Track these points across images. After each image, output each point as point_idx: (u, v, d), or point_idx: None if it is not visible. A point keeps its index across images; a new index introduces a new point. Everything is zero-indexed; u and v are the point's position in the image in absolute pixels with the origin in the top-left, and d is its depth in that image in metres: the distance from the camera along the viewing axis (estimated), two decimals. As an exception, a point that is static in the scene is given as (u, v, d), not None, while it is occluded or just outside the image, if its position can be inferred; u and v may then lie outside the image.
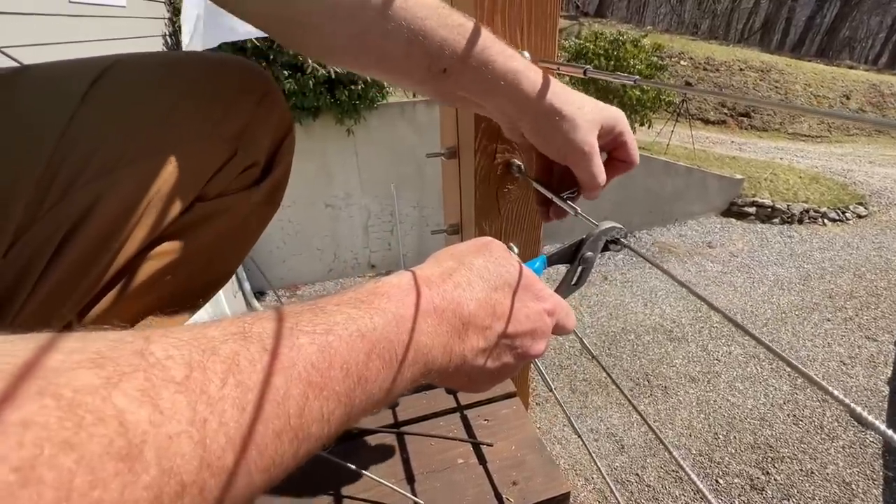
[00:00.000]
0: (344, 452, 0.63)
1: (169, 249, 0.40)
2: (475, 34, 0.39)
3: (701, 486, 0.34)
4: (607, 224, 0.42)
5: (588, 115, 0.44)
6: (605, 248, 0.43)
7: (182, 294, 0.45)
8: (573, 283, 0.44)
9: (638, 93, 6.21)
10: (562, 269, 0.44)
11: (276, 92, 0.46)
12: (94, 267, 0.36)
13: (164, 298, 0.43)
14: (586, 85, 6.39)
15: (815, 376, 0.22)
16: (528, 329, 0.34)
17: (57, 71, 0.37)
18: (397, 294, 0.29)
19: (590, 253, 0.42)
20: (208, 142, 0.39)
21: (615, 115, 0.47)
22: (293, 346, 0.22)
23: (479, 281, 0.32)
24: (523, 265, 0.36)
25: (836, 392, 0.21)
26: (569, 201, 0.49)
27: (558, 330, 0.38)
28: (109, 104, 0.36)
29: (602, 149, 0.48)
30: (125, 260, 0.38)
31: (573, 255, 0.43)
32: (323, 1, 0.36)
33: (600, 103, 0.46)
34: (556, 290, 0.40)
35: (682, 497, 3.02)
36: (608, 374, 0.46)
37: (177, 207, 0.38)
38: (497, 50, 0.41)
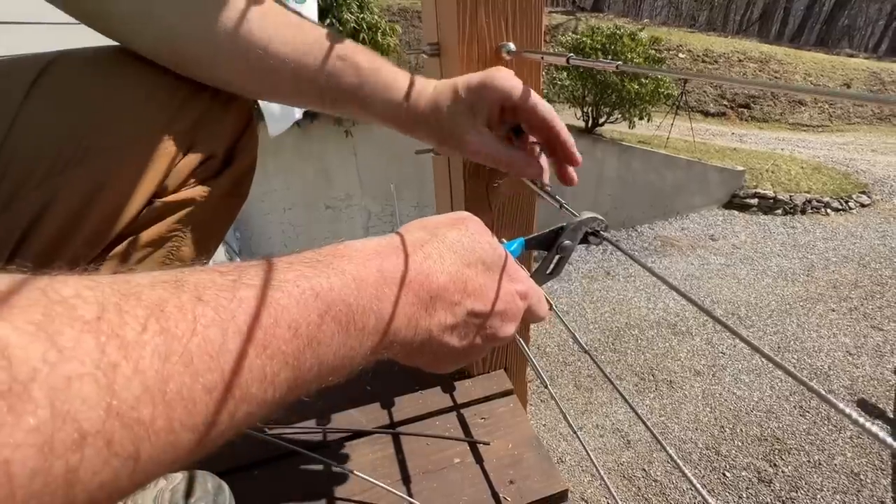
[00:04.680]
0: (338, 454, 0.62)
1: (132, 247, 0.39)
2: (355, 67, 0.43)
3: (695, 482, 0.33)
4: (588, 214, 0.41)
5: (450, 122, 0.46)
6: (585, 240, 0.42)
7: None
8: (549, 271, 0.43)
9: (636, 86, 6.17)
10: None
11: None
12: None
13: None
14: (584, 80, 6.36)
15: (787, 365, 0.21)
16: (498, 309, 0.33)
17: None
18: (359, 257, 0.27)
19: (568, 242, 0.41)
20: (161, 136, 0.38)
21: (490, 89, 0.45)
22: (233, 297, 0.20)
23: (451, 254, 0.31)
24: (499, 245, 0.35)
25: (827, 396, 0.20)
26: (552, 193, 0.48)
27: (530, 315, 0.37)
28: (54, 103, 0.35)
29: (507, 122, 0.49)
30: (84, 263, 0.37)
31: (551, 243, 0.42)
32: (207, 43, 0.38)
33: (471, 88, 0.46)
34: (531, 277, 0.39)
35: (690, 491, 3.00)
36: (601, 370, 0.45)
37: (134, 205, 0.37)
38: (375, 81, 0.44)
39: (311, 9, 1.54)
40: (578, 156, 0.49)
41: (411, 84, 0.46)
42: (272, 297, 0.21)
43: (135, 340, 0.17)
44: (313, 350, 0.23)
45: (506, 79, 0.45)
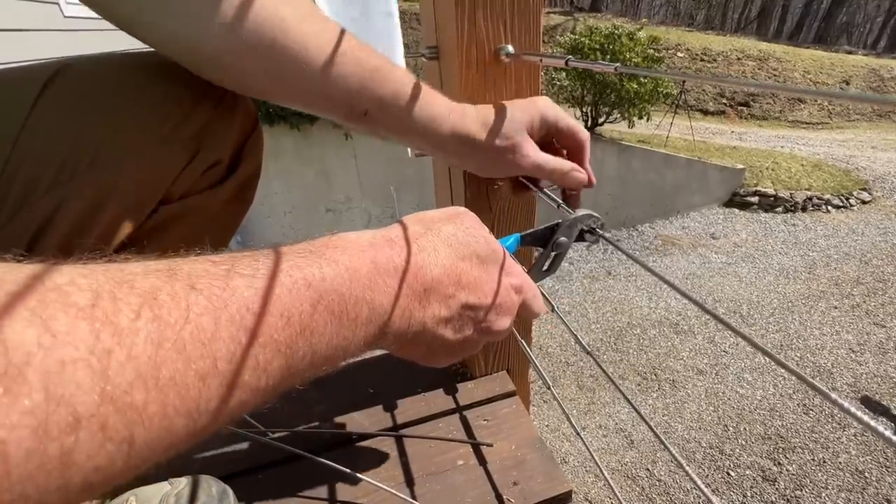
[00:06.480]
0: (342, 457, 0.62)
1: (138, 254, 0.39)
2: (393, 80, 0.41)
3: (699, 482, 0.33)
4: (583, 211, 0.41)
5: (512, 133, 0.46)
6: (581, 238, 0.42)
7: None
8: (545, 268, 0.43)
9: (635, 86, 6.18)
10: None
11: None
12: None
13: None
14: (583, 80, 6.36)
15: (784, 361, 0.21)
16: (493, 303, 0.33)
17: (1, 79, 0.36)
18: (353, 248, 0.27)
19: (563, 239, 0.41)
20: (167, 144, 0.38)
21: (540, 111, 0.48)
22: (226, 286, 0.20)
23: (446, 248, 0.31)
24: (494, 239, 0.36)
25: (825, 389, 0.20)
26: (549, 192, 0.49)
27: (525, 310, 0.37)
28: (62, 110, 0.35)
29: (545, 143, 0.50)
30: None
31: (547, 239, 0.42)
32: (234, 42, 0.35)
33: (523, 108, 0.48)
34: (527, 274, 0.40)
35: (694, 490, 2.99)
36: (603, 371, 0.45)
37: (141, 211, 0.38)
38: (414, 95, 0.42)
39: (395, 21, 1.54)
40: (594, 178, 0.51)
41: (450, 104, 0.45)
42: (265, 285, 0.22)
43: (128, 327, 0.17)
44: (306, 339, 0.23)
45: (551, 106, 0.49)
